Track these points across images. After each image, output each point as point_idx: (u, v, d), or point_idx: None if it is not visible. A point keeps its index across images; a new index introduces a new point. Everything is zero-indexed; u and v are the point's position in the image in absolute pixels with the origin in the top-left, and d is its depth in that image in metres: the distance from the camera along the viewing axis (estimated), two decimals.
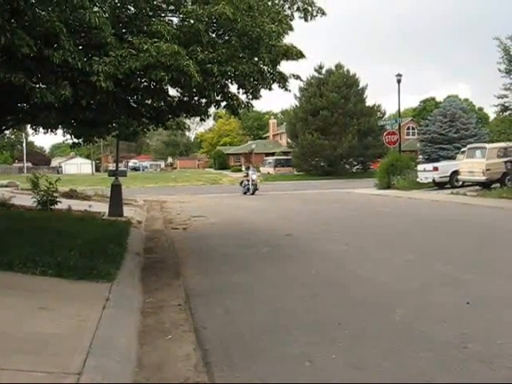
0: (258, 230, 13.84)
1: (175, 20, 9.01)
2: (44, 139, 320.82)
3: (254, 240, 11.85)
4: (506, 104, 20.20)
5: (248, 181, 29.02)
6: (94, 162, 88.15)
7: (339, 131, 50.92)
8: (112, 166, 41.73)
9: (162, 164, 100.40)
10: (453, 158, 35.02)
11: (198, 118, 12.67)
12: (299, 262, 9.31)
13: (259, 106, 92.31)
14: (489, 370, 4.33)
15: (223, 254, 10.17)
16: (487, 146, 26.16)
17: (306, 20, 9.43)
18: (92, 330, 4.92)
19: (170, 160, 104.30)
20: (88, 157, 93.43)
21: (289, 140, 62.17)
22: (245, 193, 28.99)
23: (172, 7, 8.94)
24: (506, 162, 22.86)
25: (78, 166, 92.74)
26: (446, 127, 46.23)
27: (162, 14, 9.00)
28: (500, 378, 4.18)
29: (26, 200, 15.49)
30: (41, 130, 12.66)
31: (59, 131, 12.98)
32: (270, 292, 7.16)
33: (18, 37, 6.72)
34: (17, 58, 7.07)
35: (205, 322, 5.80)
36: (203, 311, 6.25)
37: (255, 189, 28.87)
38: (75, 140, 13.62)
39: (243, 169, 41.73)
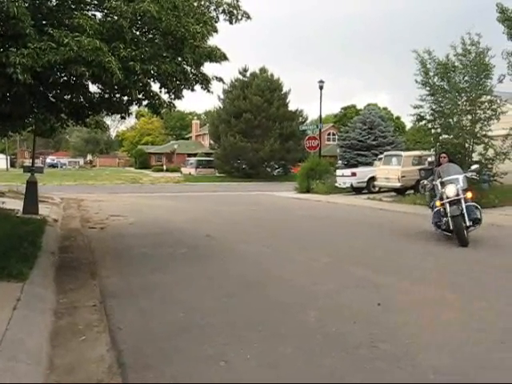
0: (177, 230, 13.78)
1: (98, 15, 8.83)
2: None
3: (173, 240, 11.80)
4: (422, 114, 20.95)
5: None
6: (9, 158, 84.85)
7: (261, 134, 51.42)
8: (28, 162, 40.40)
9: (81, 161, 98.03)
10: (371, 164, 36.09)
11: (119, 116, 12.49)
12: (217, 262, 9.33)
13: (182, 106, 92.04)
14: (396, 368, 4.50)
15: (141, 254, 10.05)
16: (403, 153, 27.16)
17: (231, 23, 9.49)
18: (1, 332, 4.75)
19: (89, 157, 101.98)
20: (3, 152, 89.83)
21: (211, 141, 62.18)
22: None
23: (95, 1, 8.76)
24: (419, 170, 23.76)
25: None
26: (365, 134, 47.56)
27: (85, 8, 8.80)
28: (405, 376, 4.35)
29: None
30: None
31: None
32: (187, 292, 7.15)
33: None
34: None
35: (120, 322, 5.72)
36: (119, 312, 6.16)
37: (476, 219, 11.18)
38: None
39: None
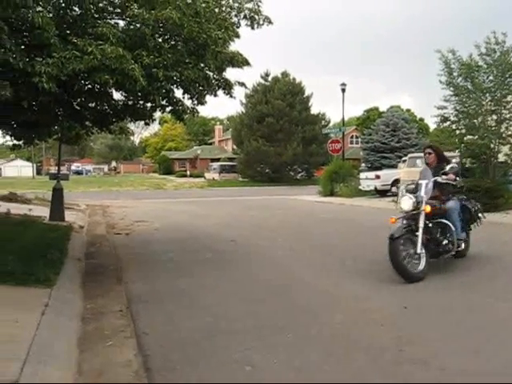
0: (202, 235, 13.81)
1: (121, 23, 8.95)
2: None
3: (198, 245, 11.84)
4: (446, 115, 20.76)
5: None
6: (35, 165, 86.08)
7: (284, 138, 51.41)
8: (54, 169, 40.88)
9: (106, 168, 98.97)
10: (394, 166, 35.85)
11: (142, 122, 12.60)
12: (243, 267, 9.34)
13: (205, 111, 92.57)
14: (423, 371, 4.47)
15: (166, 260, 10.10)
16: None
17: (252, 28, 9.52)
18: (30, 337, 4.81)
19: (113, 164, 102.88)
20: (29, 159, 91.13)
21: (234, 146, 62.34)
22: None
23: (118, 10, 8.87)
24: None
25: (18, 169, 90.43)
26: (389, 136, 47.28)
27: (108, 17, 8.92)
28: (432, 378, 4.34)
29: None
30: None
31: None
32: (212, 298, 7.17)
33: None
34: None
35: (146, 327, 5.76)
36: (145, 317, 6.20)
37: (448, 243, 8.62)
38: (16, 142, 13.33)
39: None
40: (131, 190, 41.82)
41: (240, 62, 9.40)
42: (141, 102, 10.42)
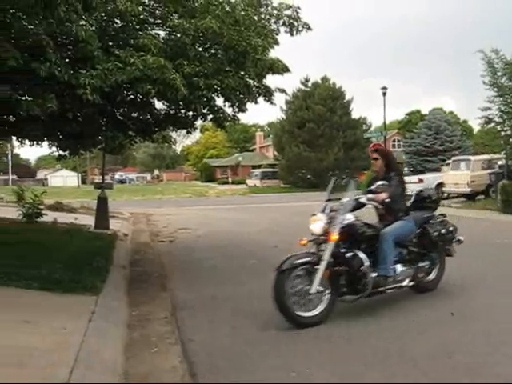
0: (245, 241, 13.84)
1: (162, 34, 9.08)
2: (29, 151, 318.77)
3: (241, 252, 11.86)
4: (490, 116, 20.38)
5: None
6: (79, 175, 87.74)
7: (325, 144, 51.13)
8: (98, 179, 41.62)
9: (149, 176, 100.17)
10: (438, 170, 35.33)
11: (184, 131, 12.74)
12: None
13: (246, 118, 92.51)
14: (471, 379, 4.40)
15: (210, 267, 10.15)
16: (472, 158, 26.49)
17: (291, 34, 9.55)
18: (78, 343, 4.90)
19: (156, 172, 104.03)
20: (74, 169, 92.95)
21: (275, 152, 62.29)
22: None
23: (158, 21, 9.01)
24: (490, 174, 23.14)
25: (63, 179, 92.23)
26: (431, 139, 46.64)
27: (149, 28, 9.07)
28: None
29: (11, 212, 15.38)
30: (27, 142, 12.66)
31: (45, 143, 13.00)
32: (256, 304, 7.16)
33: (4, 49, 6.75)
34: (3, 70, 7.09)
35: (191, 334, 5.80)
36: (189, 324, 6.25)
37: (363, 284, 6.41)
38: (61, 152, 13.63)
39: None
40: (174, 198, 42.15)
41: (280, 68, 9.42)
42: (182, 111, 10.53)
